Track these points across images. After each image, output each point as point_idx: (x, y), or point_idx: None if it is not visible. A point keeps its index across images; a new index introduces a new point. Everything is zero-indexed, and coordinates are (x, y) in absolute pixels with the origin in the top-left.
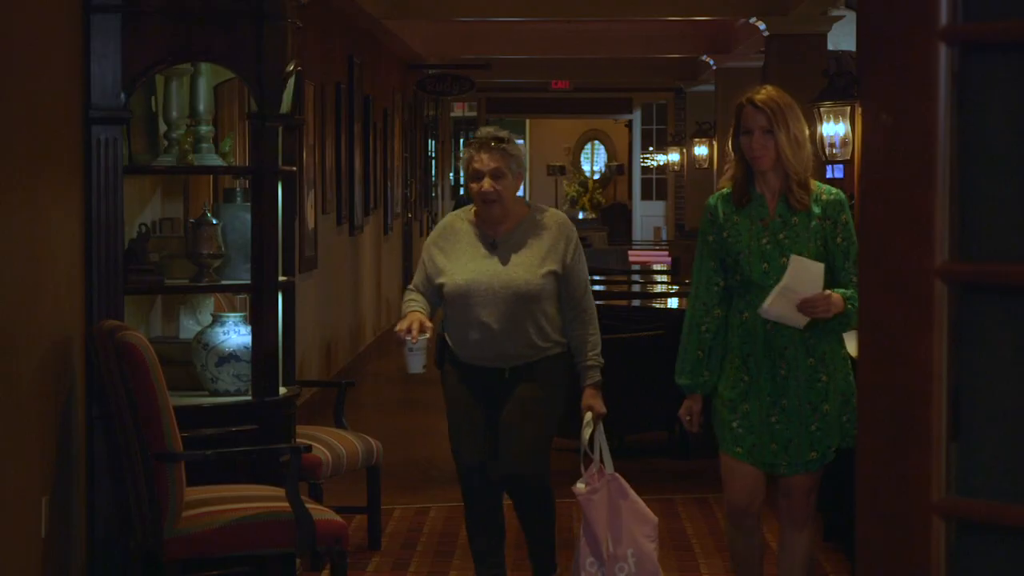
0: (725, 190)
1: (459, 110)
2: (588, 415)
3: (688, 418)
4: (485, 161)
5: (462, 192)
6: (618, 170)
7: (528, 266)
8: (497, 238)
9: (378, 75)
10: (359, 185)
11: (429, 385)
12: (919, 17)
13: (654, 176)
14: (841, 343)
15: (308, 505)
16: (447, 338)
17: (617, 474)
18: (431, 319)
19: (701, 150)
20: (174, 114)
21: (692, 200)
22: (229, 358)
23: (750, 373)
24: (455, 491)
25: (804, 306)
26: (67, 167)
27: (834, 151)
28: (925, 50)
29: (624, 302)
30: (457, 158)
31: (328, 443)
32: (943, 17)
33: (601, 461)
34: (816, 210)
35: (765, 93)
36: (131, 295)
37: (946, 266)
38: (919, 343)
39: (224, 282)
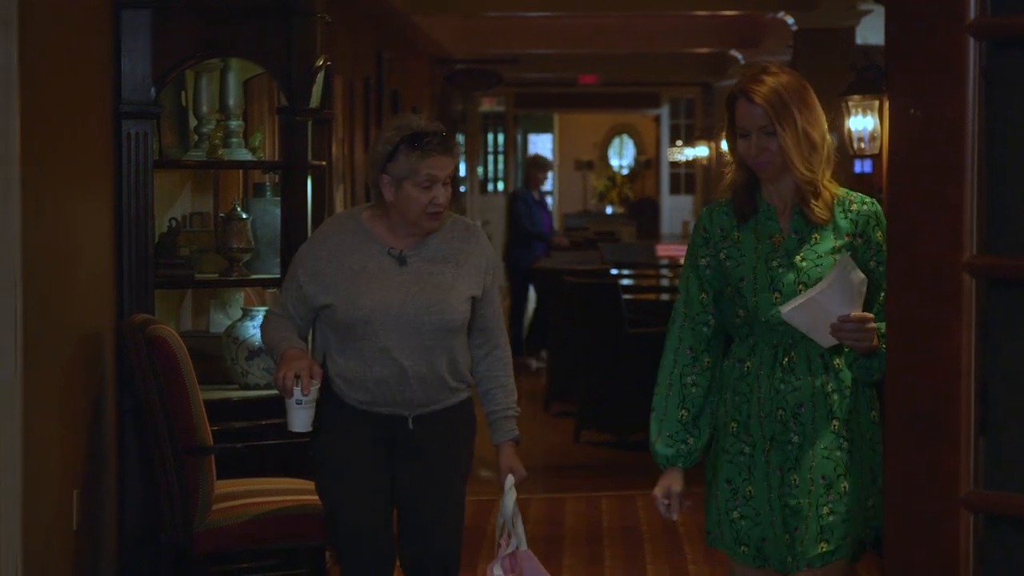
0: (724, 199)
1: (487, 105)
2: (510, 479)
3: (666, 502)
4: (445, 165)
5: (520, 185)
6: (646, 164)
7: (448, 288)
8: (406, 250)
9: (407, 70)
10: None
11: None
12: (948, 11)
13: (683, 170)
14: (872, 403)
15: None
16: (329, 375)
17: (530, 552)
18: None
19: None
20: (204, 109)
21: (720, 195)
22: (259, 352)
23: (752, 442)
24: (482, 484)
25: (836, 328)
26: (98, 162)
27: (862, 146)
28: (953, 44)
29: (652, 296)
30: (488, 153)
31: None
32: (972, 11)
33: (514, 536)
34: (843, 224)
35: (763, 81)
36: (161, 289)
37: (974, 260)
38: (947, 337)
39: (254, 276)
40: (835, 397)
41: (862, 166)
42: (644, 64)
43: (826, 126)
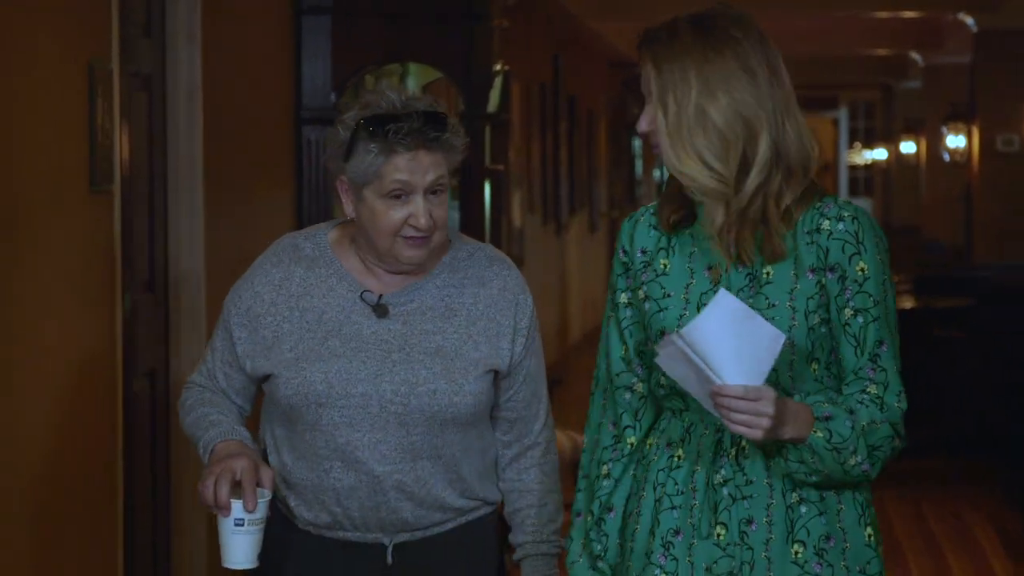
0: (652, 206)
1: None
2: None
3: None
4: (425, 167)
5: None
6: (824, 167)
7: (452, 356)
8: (389, 295)
9: (583, 75)
10: (564, 184)
11: None
12: None
13: (861, 173)
14: (864, 514)
15: None
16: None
17: None
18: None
19: (908, 147)
20: None
21: (899, 196)
22: None
23: (675, 571)
24: None
25: (718, 402)
26: (279, 167)
27: None
28: None
29: None
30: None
31: None
32: None
33: None
34: (806, 253)
35: (664, 26)
36: None
37: None
38: None
39: None
40: (803, 510)
41: None
42: (822, 66)
43: (771, 110)
